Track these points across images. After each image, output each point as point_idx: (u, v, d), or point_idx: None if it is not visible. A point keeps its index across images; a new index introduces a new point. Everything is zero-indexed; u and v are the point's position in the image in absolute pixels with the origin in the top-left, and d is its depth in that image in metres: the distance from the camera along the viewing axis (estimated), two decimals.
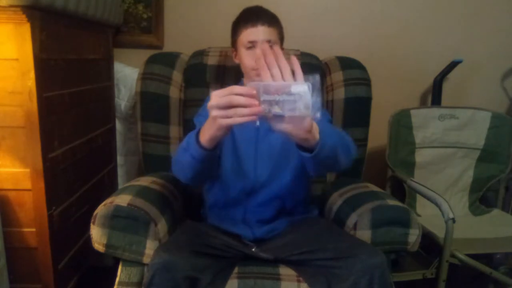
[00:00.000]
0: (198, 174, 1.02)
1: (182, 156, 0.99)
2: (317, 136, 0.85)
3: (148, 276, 0.95)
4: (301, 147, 0.88)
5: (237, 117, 0.77)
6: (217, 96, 0.78)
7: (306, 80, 0.77)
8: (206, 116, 1.11)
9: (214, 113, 0.79)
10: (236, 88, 0.77)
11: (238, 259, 1.13)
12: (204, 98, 1.38)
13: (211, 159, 0.96)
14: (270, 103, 0.75)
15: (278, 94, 0.75)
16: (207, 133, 0.89)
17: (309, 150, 0.87)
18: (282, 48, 1.24)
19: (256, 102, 0.75)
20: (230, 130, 0.87)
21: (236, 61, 1.28)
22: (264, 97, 0.75)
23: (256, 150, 1.23)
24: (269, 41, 1.17)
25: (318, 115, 0.77)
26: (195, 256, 1.00)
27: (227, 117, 0.78)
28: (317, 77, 0.77)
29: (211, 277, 1.01)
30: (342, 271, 0.99)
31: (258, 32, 1.18)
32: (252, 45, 1.18)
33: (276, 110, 0.75)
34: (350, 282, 0.96)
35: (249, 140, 1.23)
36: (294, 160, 1.21)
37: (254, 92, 0.76)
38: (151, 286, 0.93)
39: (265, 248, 1.16)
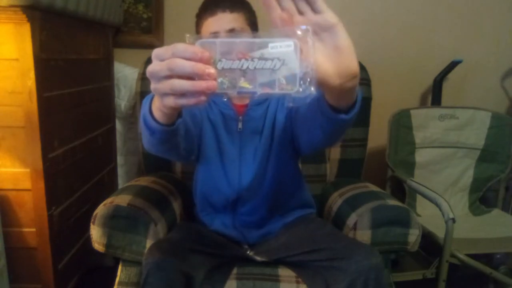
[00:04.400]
0: (163, 145, 0.83)
1: (143, 130, 0.80)
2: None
3: (142, 275, 0.94)
4: (332, 109, 0.68)
5: (178, 97, 0.53)
6: (156, 58, 0.53)
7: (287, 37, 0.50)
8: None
9: (152, 85, 0.54)
10: (180, 46, 0.51)
11: (235, 260, 1.13)
12: None
13: (173, 134, 0.75)
14: (233, 72, 0.49)
15: (246, 57, 0.49)
16: (156, 106, 0.68)
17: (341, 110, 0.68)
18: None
19: (208, 70, 0.50)
20: (180, 108, 0.67)
21: None
22: (223, 64, 0.49)
23: (240, 156, 1.15)
24: (232, 30, 1.02)
25: (313, 89, 0.51)
26: (188, 254, 0.99)
27: (167, 93, 0.53)
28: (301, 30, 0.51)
29: (206, 274, 1.00)
30: (337, 272, 0.98)
31: (218, 21, 1.03)
32: (215, 36, 0.72)
33: (242, 84, 0.49)
34: (346, 284, 0.95)
35: (233, 143, 1.15)
36: (277, 160, 1.12)
37: (207, 54, 0.50)
38: (146, 285, 0.92)
39: (260, 251, 1.15)
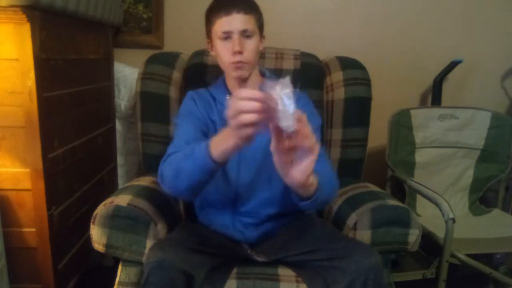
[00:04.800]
0: (195, 186, 0.96)
1: (182, 164, 0.93)
2: (315, 185, 0.88)
3: (144, 274, 0.94)
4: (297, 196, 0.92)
5: (244, 127, 0.73)
6: (232, 103, 0.73)
7: (276, 82, 0.71)
8: (186, 115, 1.17)
9: (235, 121, 0.74)
10: (243, 92, 0.72)
11: (236, 260, 1.13)
12: None
13: (215, 173, 0.92)
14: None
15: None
16: (221, 145, 0.85)
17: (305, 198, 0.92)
18: (262, 37, 1.17)
19: (262, 107, 0.70)
20: (248, 141, 0.80)
21: (212, 53, 1.18)
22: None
23: (239, 155, 1.15)
24: (245, 31, 1.09)
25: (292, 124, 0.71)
26: (190, 253, 0.99)
27: (237, 127, 0.74)
28: (287, 79, 0.71)
29: (207, 274, 1.00)
30: (337, 272, 0.98)
31: (232, 21, 1.08)
32: (227, 35, 1.09)
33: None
34: (345, 284, 0.95)
35: None
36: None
37: (260, 95, 0.70)
38: (147, 284, 0.92)
39: (260, 251, 1.15)
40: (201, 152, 0.89)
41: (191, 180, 0.94)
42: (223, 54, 1.11)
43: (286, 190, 1.16)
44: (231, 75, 1.16)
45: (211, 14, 1.12)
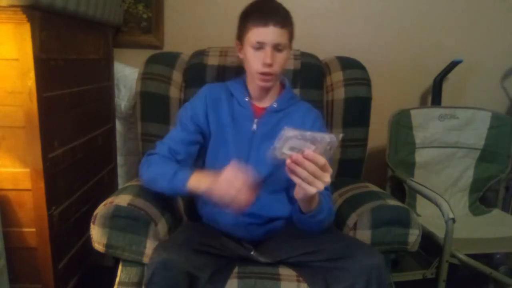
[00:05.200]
0: (167, 195, 1.15)
1: (158, 179, 1.11)
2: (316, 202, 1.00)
3: (147, 275, 0.94)
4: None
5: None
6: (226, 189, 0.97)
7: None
8: (187, 116, 1.22)
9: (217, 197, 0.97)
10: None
11: (238, 260, 1.13)
12: None
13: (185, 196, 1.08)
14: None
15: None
16: (198, 185, 1.03)
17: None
18: (290, 49, 1.19)
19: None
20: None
21: (240, 55, 1.21)
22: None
23: (249, 156, 1.18)
24: (278, 45, 1.11)
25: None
26: (194, 254, 0.99)
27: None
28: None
29: (210, 275, 1.00)
30: (339, 272, 0.98)
31: (268, 34, 1.09)
32: (260, 46, 1.11)
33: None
34: (348, 283, 0.96)
35: (242, 143, 1.19)
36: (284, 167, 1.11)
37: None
38: (150, 284, 0.93)
39: (264, 251, 1.15)
40: (180, 181, 1.06)
41: (162, 191, 1.13)
42: (253, 62, 1.13)
43: (290, 198, 1.19)
44: (256, 83, 1.18)
45: (248, 20, 1.13)
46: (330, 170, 0.90)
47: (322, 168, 0.88)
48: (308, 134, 0.86)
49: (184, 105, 1.29)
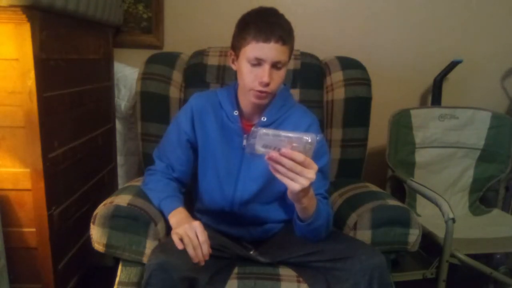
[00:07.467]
0: None
1: (153, 195, 1.15)
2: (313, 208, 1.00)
3: (145, 276, 0.94)
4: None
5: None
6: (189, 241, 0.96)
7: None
8: (176, 125, 1.19)
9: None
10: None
11: (237, 260, 1.13)
12: None
13: None
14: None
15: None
16: (175, 224, 1.04)
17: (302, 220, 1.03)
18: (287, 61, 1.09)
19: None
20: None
21: (233, 67, 1.12)
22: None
23: (239, 171, 1.15)
24: (278, 62, 1.02)
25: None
26: None
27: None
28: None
29: (209, 277, 1.00)
30: (341, 272, 0.98)
31: (269, 50, 1.00)
32: (258, 62, 1.02)
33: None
34: (350, 283, 0.96)
35: (232, 158, 1.15)
36: (277, 181, 0.96)
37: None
38: (148, 286, 0.92)
39: (264, 252, 1.15)
40: (165, 208, 1.11)
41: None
42: (249, 78, 1.04)
43: (288, 205, 1.18)
44: (249, 99, 1.09)
45: (247, 31, 1.02)
46: (315, 167, 0.88)
47: (302, 164, 0.86)
48: (282, 133, 0.87)
49: (173, 119, 1.24)
